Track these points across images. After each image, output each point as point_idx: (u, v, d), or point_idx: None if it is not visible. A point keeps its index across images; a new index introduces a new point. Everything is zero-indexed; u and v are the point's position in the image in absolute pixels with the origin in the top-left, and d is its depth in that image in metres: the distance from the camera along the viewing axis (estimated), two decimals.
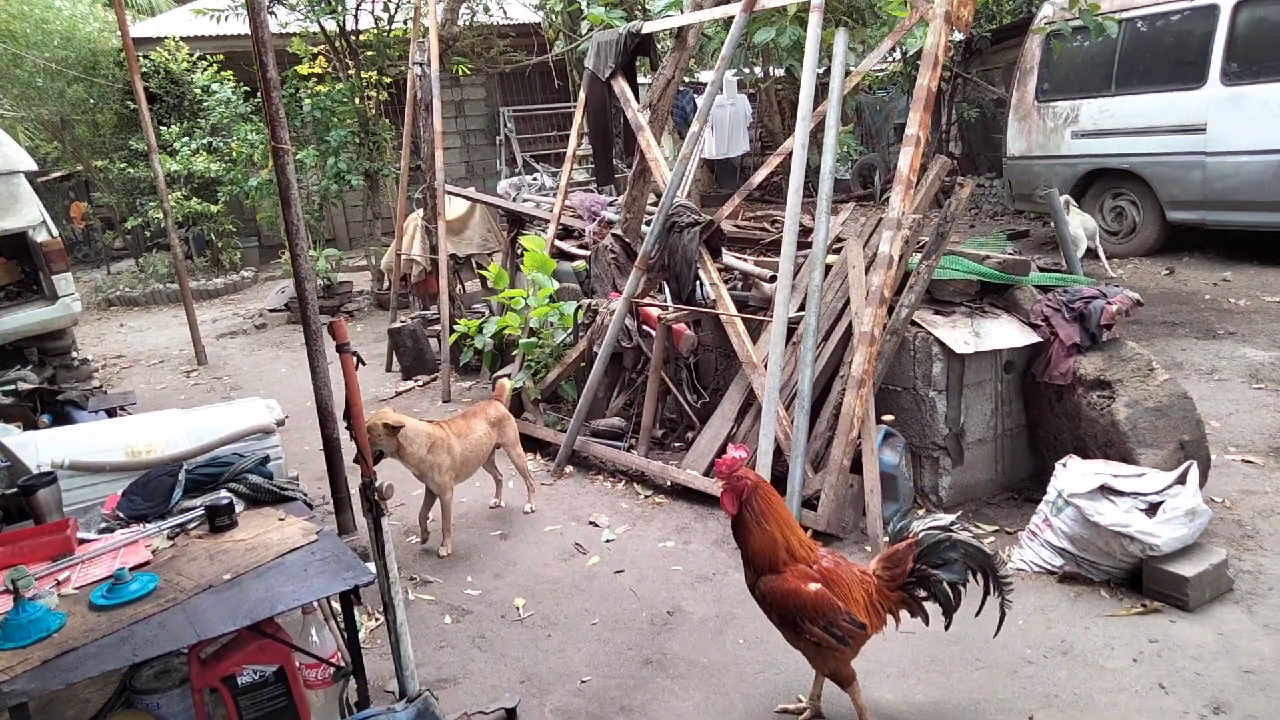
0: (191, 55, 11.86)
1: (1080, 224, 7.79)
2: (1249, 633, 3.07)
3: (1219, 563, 3.30)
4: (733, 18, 4.83)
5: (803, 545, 2.68)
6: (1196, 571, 3.23)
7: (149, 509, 2.90)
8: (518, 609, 3.63)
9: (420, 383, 7.05)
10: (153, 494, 2.95)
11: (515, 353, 5.85)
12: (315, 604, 2.76)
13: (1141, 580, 3.34)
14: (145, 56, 11.57)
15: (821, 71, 4.64)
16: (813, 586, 2.57)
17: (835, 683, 2.71)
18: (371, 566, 2.62)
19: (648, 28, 5.64)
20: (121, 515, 2.88)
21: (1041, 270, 4.62)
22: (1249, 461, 4.36)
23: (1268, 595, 3.27)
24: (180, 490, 2.99)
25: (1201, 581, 3.23)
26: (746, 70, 13.10)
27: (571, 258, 6.66)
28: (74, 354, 7.30)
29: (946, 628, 2.70)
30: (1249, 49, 7.63)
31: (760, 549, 2.64)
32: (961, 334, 4.06)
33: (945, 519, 2.71)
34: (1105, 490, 3.42)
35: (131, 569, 2.47)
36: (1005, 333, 4.15)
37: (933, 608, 2.71)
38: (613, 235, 5.93)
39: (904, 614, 2.74)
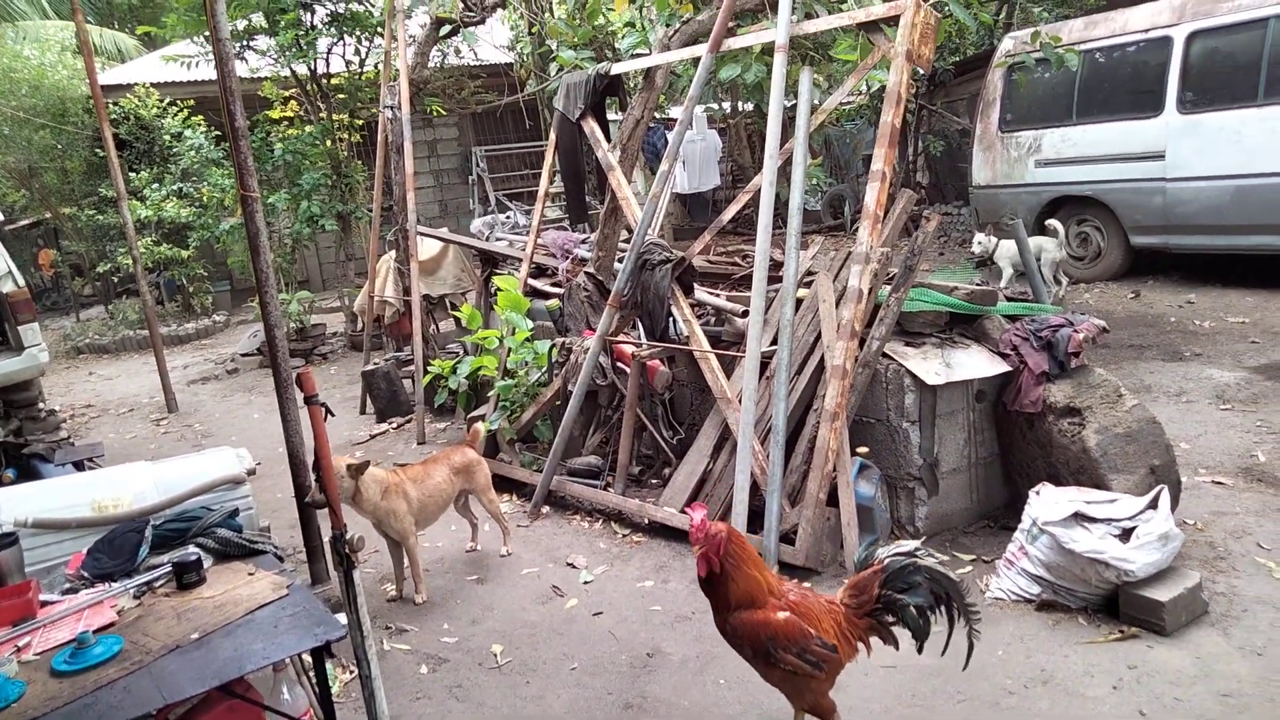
0: (162, 101, 11.85)
1: (1039, 246, 7.85)
2: (1225, 655, 3.08)
3: (1193, 586, 3.32)
4: (699, 57, 4.90)
5: (771, 580, 2.70)
6: (1172, 596, 3.25)
7: (115, 567, 2.85)
8: (495, 656, 3.58)
9: (395, 425, 7.00)
10: (119, 551, 2.90)
11: (490, 393, 5.83)
12: (286, 660, 2.71)
13: (1118, 606, 3.35)
14: (115, 103, 11.55)
15: (788, 106, 4.70)
16: (781, 615, 2.57)
17: (817, 716, 2.69)
18: (343, 619, 2.58)
19: (616, 69, 5.71)
20: (86, 575, 2.82)
21: (1009, 299, 4.67)
22: (1219, 483, 4.41)
23: (1242, 617, 3.29)
24: (147, 547, 2.94)
25: (1177, 605, 3.25)
26: (715, 106, 13.27)
27: (545, 296, 6.66)
28: (41, 405, 7.19)
29: (919, 650, 2.70)
30: (1203, 78, 7.83)
31: (742, 593, 2.63)
32: (932, 365, 4.09)
33: (909, 545, 2.72)
34: (1079, 517, 3.44)
35: (95, 631, 2.41)
36: (975, 362, 4.18)
37: (904, 634, 2.70)
38: (586, 273, 5.95)
39: (888, 649, 2.73)
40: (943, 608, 2.68)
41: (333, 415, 2.55)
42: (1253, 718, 2.76)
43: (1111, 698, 2.94)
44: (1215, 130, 7.68)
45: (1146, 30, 8.19)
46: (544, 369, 5.59)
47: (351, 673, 3.46)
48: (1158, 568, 3.32)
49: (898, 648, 2.72)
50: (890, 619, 2.69)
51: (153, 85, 12.14)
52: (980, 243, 8.23)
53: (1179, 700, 2.88)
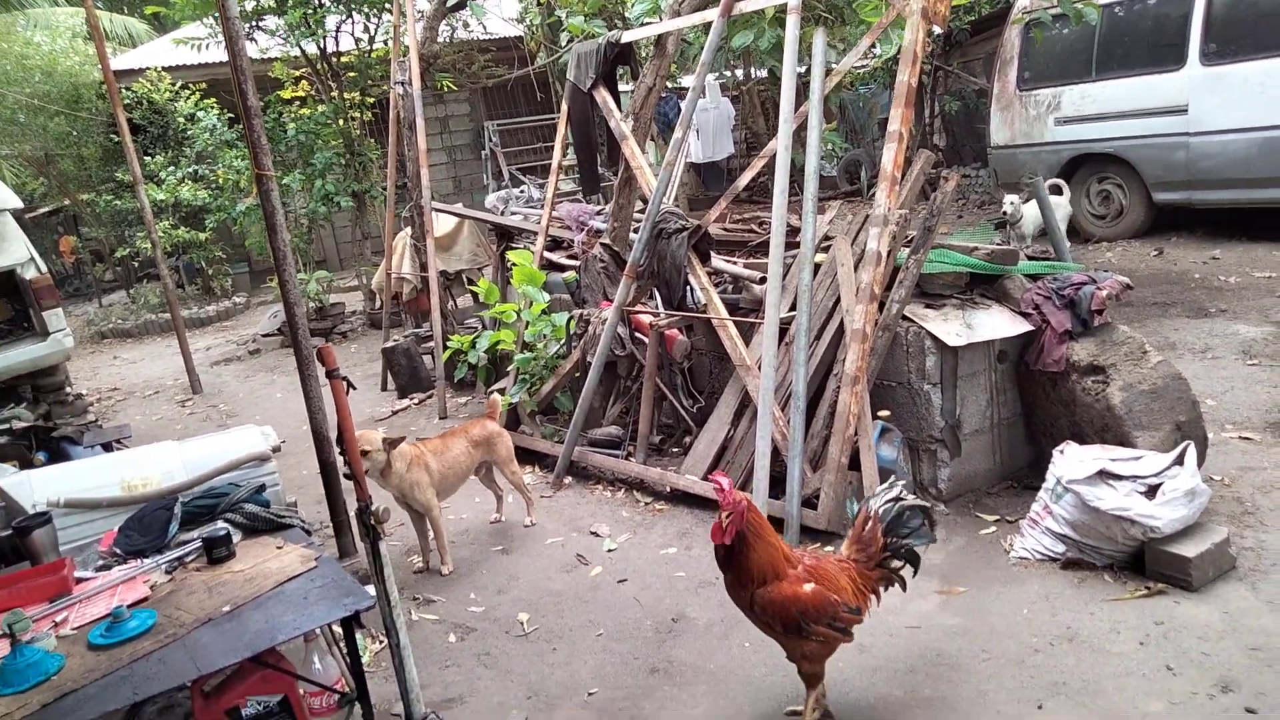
0: (174, 85, 11.86)
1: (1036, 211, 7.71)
2: (1254, 610, 3.07)
3: (1221, 541, 3.30)
4: (711, 23, 4.84)
5: (786, 552, 2.71)
6: (1199, 551, 3.23)
7: (146, 544, 2.89)
8: (522, 624, 3.62)
9: (416, 400, 7.04)
10: (149, 528, 2.94)
11: (510, 367, 5.85)
12: (317, 631, 2.76)
13: (1144, 563, 3.33)
14: (127, 88, 11.57)
15: (802, 71, 4.64)
16: (809, 587, 2.58)
17: (806, 681, 2.71)
18: (372, 590, 2.61)
19: (627, 37, 5.65)
20: (119, 551, 2.87)
21: (1030, 259, 4.62)
22: (1246, 438, 4.36)
23: (1270, 571, 3.27)
24: (177, 523, 2.98)
25: (1204, 561, 3.23)
26: (728, 73, 13.13)
27: (561, 269, 6.65)
28: (68, 389, 7.29)
29: (914, 575, 2.85)
30: (1226, 29, 7.65)
31: (763, 563, 2.63)
32: (953, 326, 4.06)
33: (892, 490, 2.81)
34: (1104, 475, 3.41)
35: (130, 606, 2.46)
36: (997, 323, 4.15)
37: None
38: (601, 244, 5.93)
39: (910, 608, 2.75)
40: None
41: (354, 389, 2.57)
42: None
43: (1138, 653, 2.93)
44: (1240, 82, 7.51)
45: None
46: (562, 341, 5.59)
47: (381, 643, 3.51)
48: (1184, 524, 3.30)
49: (905, 589, 2.85)
50: (897, 564, 2.78)
51: (164, 69, 12.15)
52: (1012, 201, 8.03)
53: (1206, 655, 2.88)
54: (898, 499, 2.75)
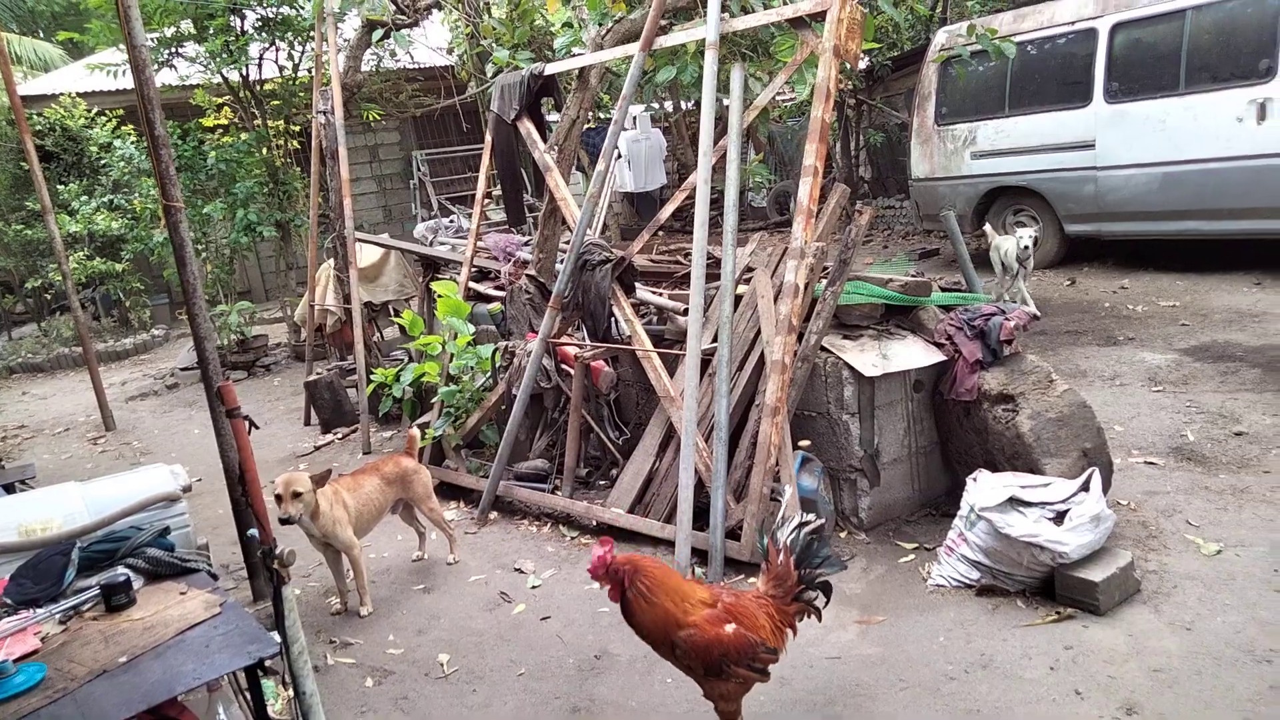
0: (89, 111, 11.52)
1: (1010, 248, 7.60)
2: (1157, 631, 3.17)
3: (1125, 565, 3.40)
4: (631, 56, 4.90)
5: (697, 596, 2.68)
6: (1105, 575, 3.32)
7: (39, 592, 2.75)
8: (442, 665, 3.55)
9: (340, 435, 6.90)
10: (44, 576, 2.80)
11: (434, 400, 5.77)
12: (222, 680, 2.65)
13: (1054, 588, 3.42)
14: (39, 114, 11.21)
15: (724, 105, 4.72)
16: (730, 628, 2.58)
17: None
18: (279, 636, 2.53)
19: (550, 69, 5.68)
20: (9, 601, 2.73)
21: (943, 290, 4.74)
22: (1151, 463, 4.53)
23: (1172, 593, 3.39)
24: (74, 569, 2.84)
25: (1110, 585, 3.33)
26: (657, 105, 13.29)
27: (488, 299, 6.61)
28: None
29: (826, 605, 2.86)
30: (1127, 68, 8.04)
31: (654, 623, 2.63)
32: (870, 357, 4.14)
33: (795, 519, 2.82)
34: (1014, 502, 3.51)
35: (17, 660, 2.33)
36: (912, 353, 4.24)
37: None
38: (527, 276, 5.92)
39: (830, 640, 2.76)
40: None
41: (256, 428, 2.50)
42: (1181, 691, 2.84)
43: (1049, 679, 3.00)
44: (1141, 119, 7.89)
45: (1073, 22, 8.38)
46: (488, 374, 5.55)
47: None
48: (1091, 549, 3.40)
49: (820, 618, 2.86)
50: (812, 594, 2.79)
51: (79, 95, 11.80)
52: (988, 227, 8.16)
53: (1112, 678, 2.95)
54: (801, 524, 2.77)
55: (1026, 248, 7.39)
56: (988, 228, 8.23)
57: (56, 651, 2.46)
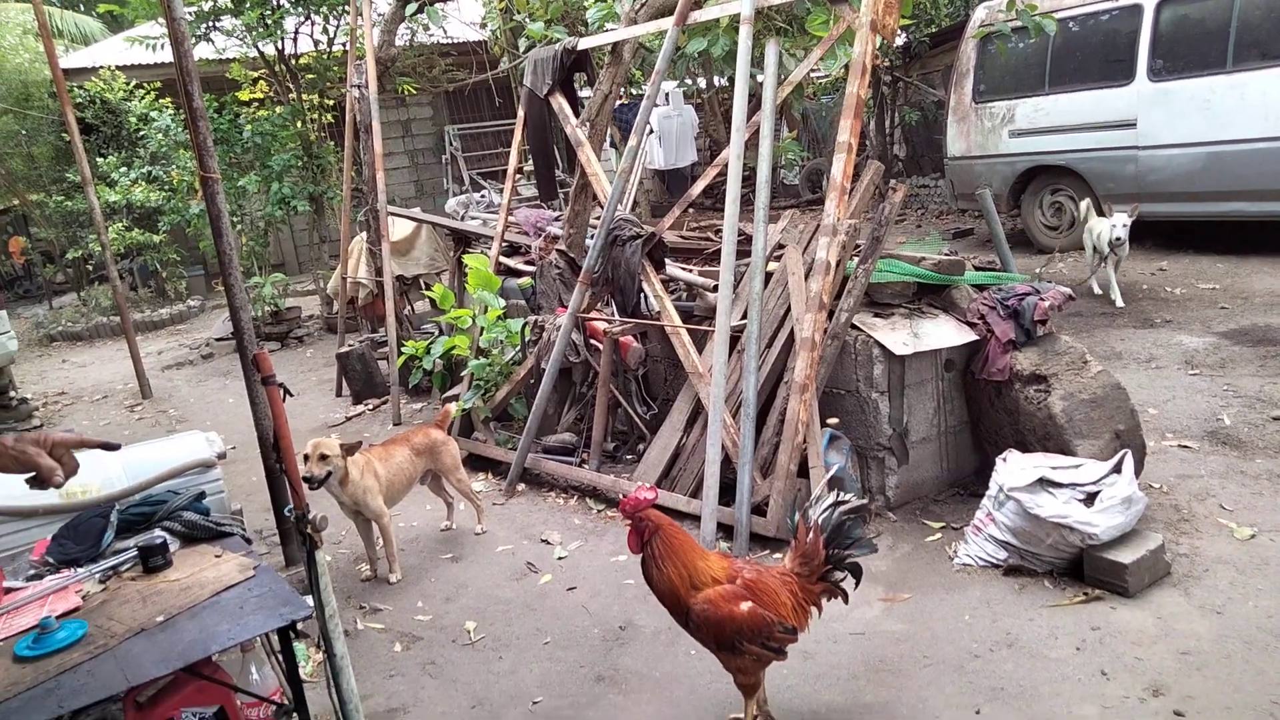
0: (128, 84, 11.66)
1: (1104, 231, 7.12)
2: (1186, 614, 3.14)
3: (1156, 548, 3.37)
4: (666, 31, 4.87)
5: (710, 571, 2.65)
6: (1135, 558, 3.30)
7: (80, 553, 2.83)
8: (469, 632, 3.60)
9: (371, 406, 6.98)
10: (83, 537, 2.88)
11: (464, 373, 5.82)
12: (256, 641, 2.72)
13: (1083, 569, 3.40)
14: (79, 87, 11.36)
15: (758, 81, 4.69)
16: (744, 606, 2.55)
17: (743, 691, 2.70)
18: (312, 600, 2.58)
19: (583, 44, 5.66)
20: (51, 560, 2.81)
21: (977, 269, 4.69)
22: (1185, 446, 4.47)
23: (1203, 577, 3.35)
24: (112, 531, 2.92)
25: (1140, 567, 3.30)
26: (690, 81, 13.20)
27: (518, 274, 6.64)
28: (12, 393, 7.13)
29: (856, 587, 2.80)
30: (1172, 46, 7.85)
31: (663, 588, 2.64)
32: (901, 335, 4.11)
33: (829, 498, 2.76)
34: (1044, 483, 3.48)
35: (59, 616, 2.40)
36: (943, 332, 4.21)
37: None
38: (557, 251, 5.93)
39: (855, 615, 2.76)
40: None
41: (291, 395, 2.54)
42: (1209, 674, 2.82)
43: (1074, 659, 2.99)
44: (1186, 98, 7.71)
45: None
46: (518, 348, 5.58)
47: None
48: (1121, 530, 3.37)
49: (847, 601, 2.80)
50: (839, 575, 2.75)
51: (119, 68, 11.93)
52: (1084, 202, 7.60)
53: (1139, 659, 2.94)
54: (836, 504, 2.74)
55: (1120, 238, 6.94)
56: (1085, 205, 7.62)
57: (97, 609, 2.53)
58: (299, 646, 3.34)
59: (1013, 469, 3.60)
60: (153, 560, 2.72)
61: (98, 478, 3.36)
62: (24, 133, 12.40)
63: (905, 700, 2.90)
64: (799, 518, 2.79)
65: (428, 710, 3.13)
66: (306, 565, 2.50)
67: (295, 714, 2.58)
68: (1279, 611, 3.09)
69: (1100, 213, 7.41)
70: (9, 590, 2.64)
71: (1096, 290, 7.38)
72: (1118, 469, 3.50)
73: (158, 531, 2.91)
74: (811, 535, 2.72)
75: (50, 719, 2.09)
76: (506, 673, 3.30)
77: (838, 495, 2.77)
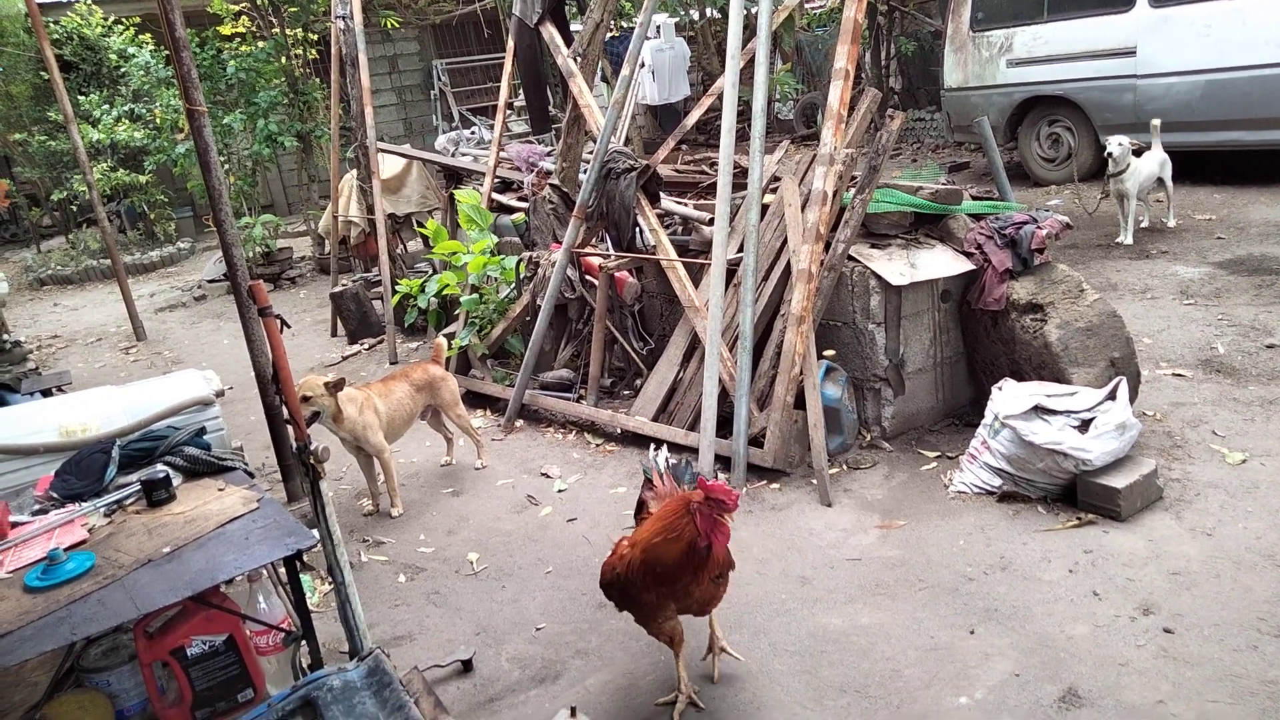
0: (106, 19, 11.36)
1: (1151, 169, 6.72)
2: (1177, 537, 3.20)
3: (1149, 473, 3.41)
4: None
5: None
6: (1127, 483, 3.34)
7: (83, 488, 2.84)
8: (471, 563, 3.65)
9: (366, 346, 6.97)
10: (86, 472, 2.89)
11: (459, 310, 5.80)
12: (262, 571, 2.75)
13: (1076, 494, 3.45)
14: (55, 22, 11.06)
15: (752, 10, 4.58)
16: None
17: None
18: (316, 531, 2.60)
19: None
20: (55, 496, 2.82)
21: (974, 199, 4.66)
22: (1179, 374, 4.50)
23: (1194, 501, 3.40)
24: (115, 466, 2.93)
25: (1132, 492, 3.35)
26: (682, 13, 12.92)
27: (511, 210, 6.57)
28: (5, 336, 7.08)
29: None
30: None
31: (668, 566, 2.57)
32: (897, 266, 4.10)
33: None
34: (1039, 410, 3.51)
35: (67, 549, 2.43)
36: (940, 262, 4.20)
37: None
38: (550, 185, 5.87)
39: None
40: None
41: (288, 326, 2.53)
42: (1199, 593, 2.88)
43: (1067, 580, 3.05)
44: (1186, 24, 7.58)
45: None
46: (512, 284, 5.55)
47: (330, 584, 3.51)
48: (1115, 456, 3.41)
49: None
50: None
51: (94, 3, 11.61)
52: (1120, 144, 6.52)
53: (1130, 580, 3.00)
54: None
55: (1163, 177, 6.65)
56: (1117, 147, 6.53)
57: (103, 542, 2.56)
58: (305, 579, 3.38)
59: (1008, 397, 3.62)
60: (156, 494, 2.74)
61: (97, 416, 3.36)
62: (1, 71, 12.09)
63: (901, 621, 2.96)
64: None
65: (433, 637, 3.19)
66: (311, 495, 2.53)
67: (304, 640, 2.63)
68: (1268, 532, 3.15)
69: (1136, 154, 6.77)
70: (15, 525, 2.66)
71: (1145, 225, 7.08)
72: (1112, 396, 3.53)
73: (160, 466, 2.93)
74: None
75: (63, 645, 2.12)
76: (509, 601, 3.36)
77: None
